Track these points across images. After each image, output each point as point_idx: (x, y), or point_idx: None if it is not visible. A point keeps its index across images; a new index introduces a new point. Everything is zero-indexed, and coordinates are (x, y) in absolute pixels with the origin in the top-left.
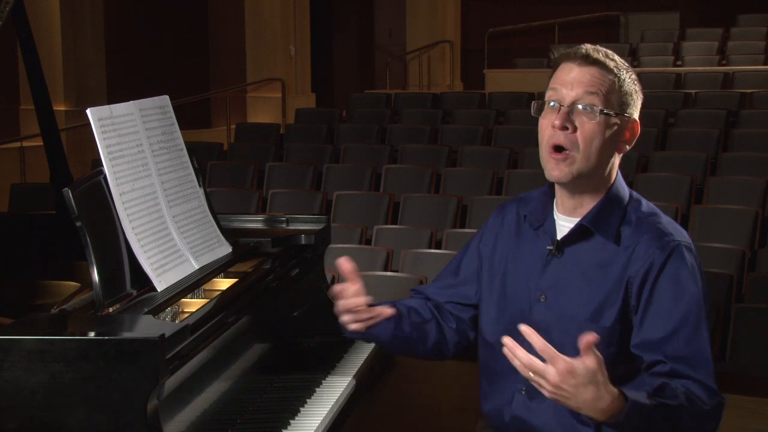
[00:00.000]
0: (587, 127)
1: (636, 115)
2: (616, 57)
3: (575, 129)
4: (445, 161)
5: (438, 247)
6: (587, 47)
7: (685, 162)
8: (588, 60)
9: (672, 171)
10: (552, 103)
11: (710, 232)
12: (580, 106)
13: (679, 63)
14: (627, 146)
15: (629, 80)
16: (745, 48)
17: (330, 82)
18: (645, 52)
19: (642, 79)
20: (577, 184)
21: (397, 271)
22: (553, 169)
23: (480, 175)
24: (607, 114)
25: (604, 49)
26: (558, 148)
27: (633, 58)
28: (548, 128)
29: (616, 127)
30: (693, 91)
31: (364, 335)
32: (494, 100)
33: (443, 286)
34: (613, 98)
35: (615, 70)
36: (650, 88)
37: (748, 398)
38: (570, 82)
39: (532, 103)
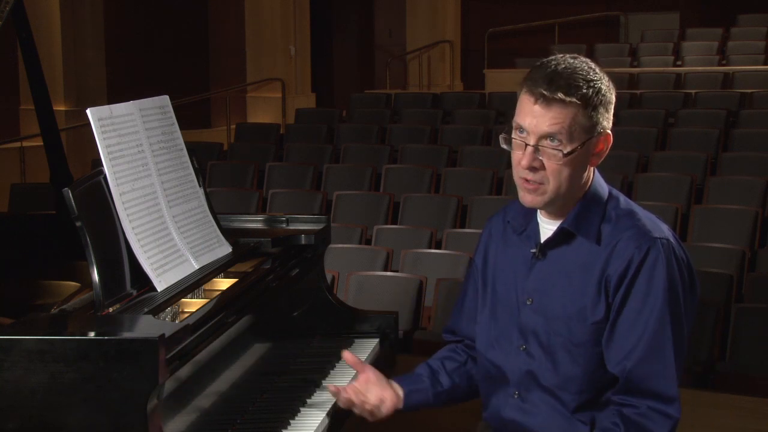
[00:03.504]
0: (553, 165)
1: (608, 126)
2: (579, 76)
3: (542, 165)
4: (445, 161)
5: (438, 247)
6: (546, 78)
7: (685, 162)
8: (545, 99)
9: (672, 171)
10: (519, 140)
11: (710, 232)
12: (544, 146)
13: (679, 63)
14: (599, 159)
15: (596, 98)
16: (745, 48)
17: (330, 82)
18: (645, 52)
19: (642, 79)
20: (553, 205)
21: (397, 271)
22: (525, 196)
23: (480, 175)
24: (570, 153)
25: (568, 72)
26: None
27: (633, 58)
28: (518, 163)
29: (584, 153)
30: (693, 91)
31: (407, 409)
32: (494, 100)
33: (470, 318)
34: (577, 129)
35: (577, 99)
36: (650, 88)
37: (748, 398)
38: (532, 121)
39: (500, 137)
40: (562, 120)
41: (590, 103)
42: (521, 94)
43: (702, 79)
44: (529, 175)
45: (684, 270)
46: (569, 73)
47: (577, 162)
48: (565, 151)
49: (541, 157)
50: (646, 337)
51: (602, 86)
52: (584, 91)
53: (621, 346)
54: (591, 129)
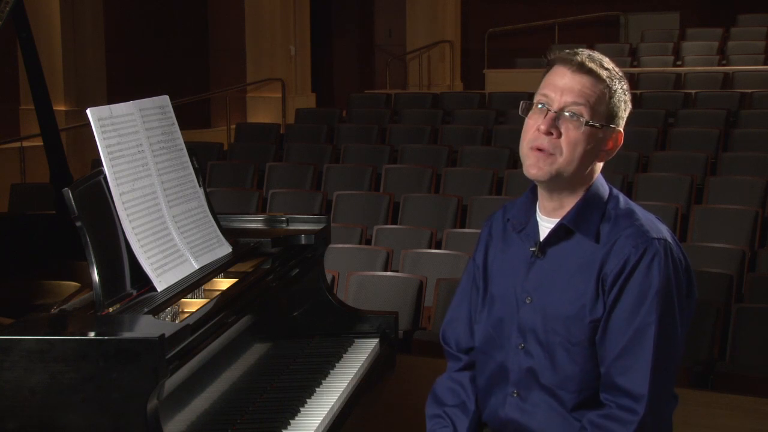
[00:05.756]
0: (572, 134)
1: (621, 126)
2: (611, 65)
3: (560, 134)
4: (445, 161)
5: (438, 247)
6: (584, 54)
7: (685, 162)
8: (582, 68)
9: (672, 171)
10: (540, 105)
11: (710, 232)
12: (567, 114)
13: (679, 63)
14: (608, 155)
15: (620, 91)
16: (745, 48)
17: (330, 82)
18: (645, 52)
19: (642, 79)
20: (555, 184)
21: (397, 271)
22: (532, 166)
23: (480, 175)
24: (592, 126)
25: (600, 57)
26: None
27: (633, 58)
28: (533, 129)
29: (599, 138)
30: (693, 91)
31: None
32: (494, 100)
33: (470, 323)
34: (601, 109)
35: (607, 81)
36: (650, 88)
37: (748, 398)
38: (561, 88)
39: (521, 102)
40: (590, 93)
41: (615, 92)
42: (552, 69)
43: (702, 79)
44: (544, 142)
45: (680, 271)
46: (604, 58)
47: (592, 143)
48: (586, 118)
49: (560, 127)
50: (629, 335)
51: (625, 85)
52: (615, 81)
53: (610, 345)
54: (610, 118)
